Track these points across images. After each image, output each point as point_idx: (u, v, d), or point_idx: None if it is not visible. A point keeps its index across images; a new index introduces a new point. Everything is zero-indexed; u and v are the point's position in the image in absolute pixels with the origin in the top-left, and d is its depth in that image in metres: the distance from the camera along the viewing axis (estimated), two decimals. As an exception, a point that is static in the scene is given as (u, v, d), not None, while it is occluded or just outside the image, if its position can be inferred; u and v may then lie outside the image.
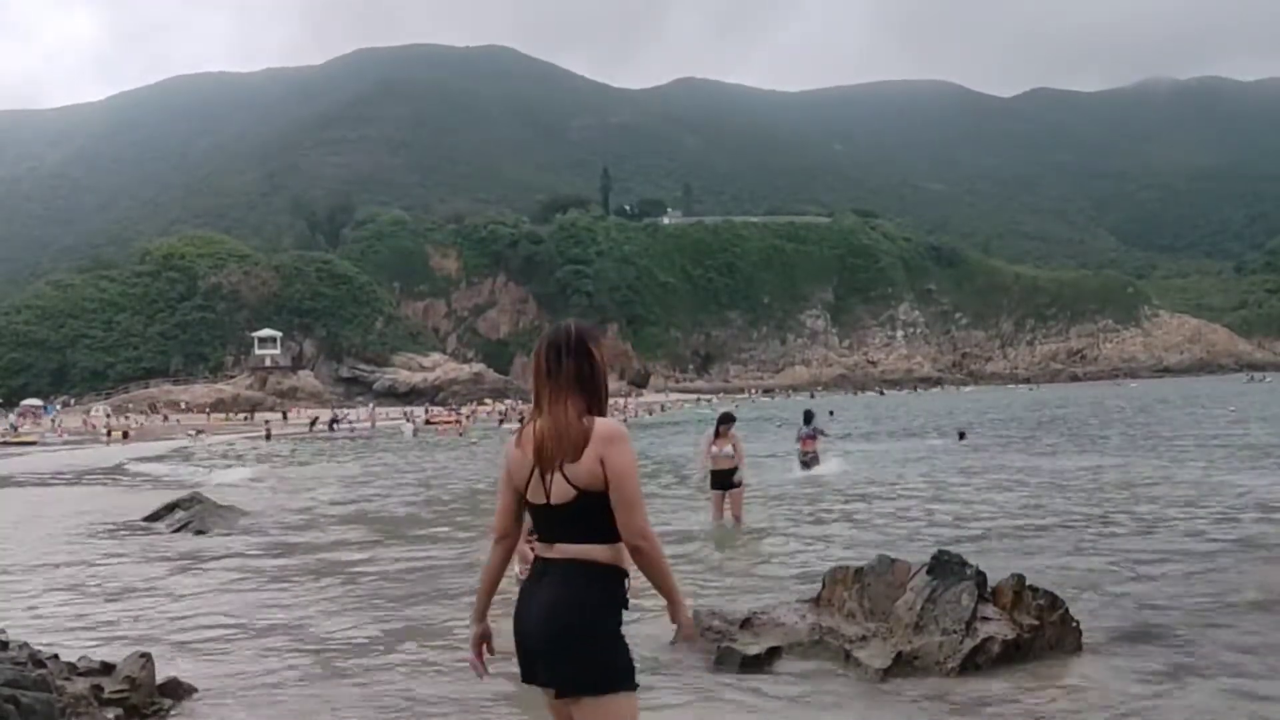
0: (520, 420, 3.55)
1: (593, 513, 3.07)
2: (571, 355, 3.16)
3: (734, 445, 12.52)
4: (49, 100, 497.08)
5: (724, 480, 12.57)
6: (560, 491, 3.09)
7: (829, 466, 19.53)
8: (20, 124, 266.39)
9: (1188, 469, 19.29)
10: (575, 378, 3.14)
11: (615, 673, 3.07)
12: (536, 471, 3.13)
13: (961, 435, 31.43)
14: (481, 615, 3.33)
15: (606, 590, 3.09)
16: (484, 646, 3.30)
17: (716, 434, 12.67)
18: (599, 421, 3.13)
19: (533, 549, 3.33)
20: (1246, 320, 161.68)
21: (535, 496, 3.16)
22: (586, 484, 3.06)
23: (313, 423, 59.99)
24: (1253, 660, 6.15)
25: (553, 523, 3.13)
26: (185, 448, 41.84)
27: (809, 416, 19.99)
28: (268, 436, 48.83)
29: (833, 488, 17.23)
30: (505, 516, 3.28)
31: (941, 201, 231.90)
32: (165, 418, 70.61)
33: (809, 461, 19.10)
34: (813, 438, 19.41)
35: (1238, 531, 11.40)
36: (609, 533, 3.09)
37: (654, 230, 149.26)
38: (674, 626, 3.29)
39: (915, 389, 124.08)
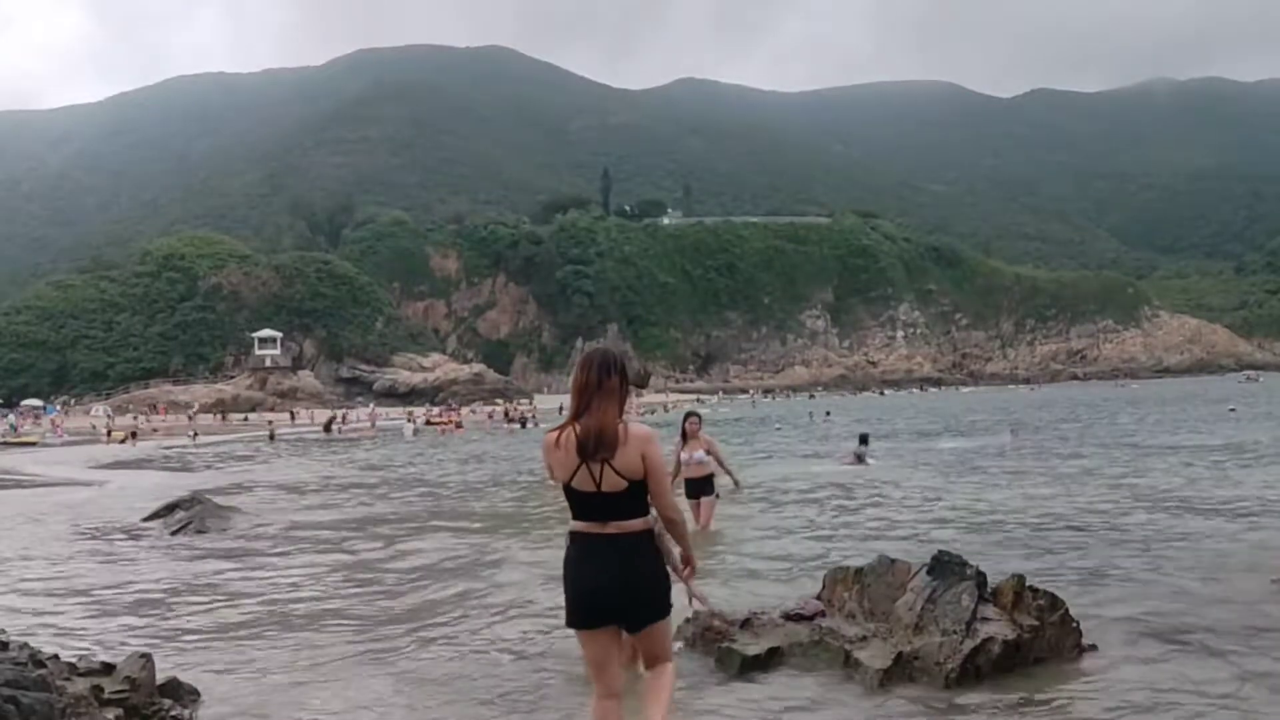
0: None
1: (637, 496, 3.99)
2: (615, 373, 4.02)
3: (709, 448, 11.53)
4: (49, 101, 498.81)
5: (698, 488, 11.50)
6: (612, 482, 3.95)
7: (872, 468, 21.14)
8: (20, 125, 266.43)
9: (1190, 469, 19.28)
10: (615, 391, 4.00)
11: (669, 602, 4.16)
12: (584, 466, 3.94)
13: (1014, 432, 31.39)
14: None
15: (653, 548, 4.10)
16: None
17: (684, 437, 11.45)
18: (635, 425, 3.99)
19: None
20: (1246, 320, 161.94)
21: (583, 485, 3.99)
22: (632, 475, 3.95)
23: (328, 423, 57.97)
24: (1256, 660, 6.14)
25: (603, 506, 3.99)
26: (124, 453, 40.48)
27: (865, 439, 23.59)
28: (271, 438, 48.21)
29: (849, 487, 17.27)
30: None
31: (941, 201, 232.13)
32: (190, 417, 70.21)
33: (854, 463, 21.36)
34: (860, 454, 22.04)
35: (1240, 531, 11.40)
36: (644, 509, 4.04)
37: (654, 230, 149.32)
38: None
39: (922, 388, 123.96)
